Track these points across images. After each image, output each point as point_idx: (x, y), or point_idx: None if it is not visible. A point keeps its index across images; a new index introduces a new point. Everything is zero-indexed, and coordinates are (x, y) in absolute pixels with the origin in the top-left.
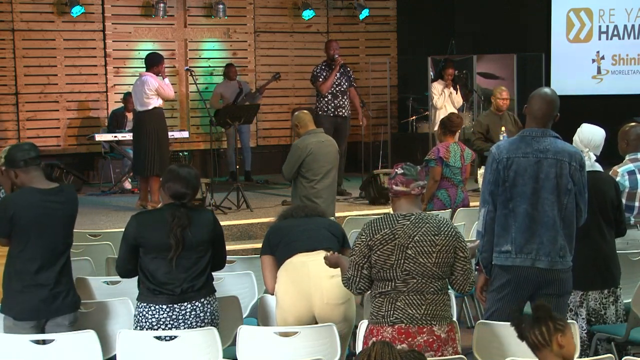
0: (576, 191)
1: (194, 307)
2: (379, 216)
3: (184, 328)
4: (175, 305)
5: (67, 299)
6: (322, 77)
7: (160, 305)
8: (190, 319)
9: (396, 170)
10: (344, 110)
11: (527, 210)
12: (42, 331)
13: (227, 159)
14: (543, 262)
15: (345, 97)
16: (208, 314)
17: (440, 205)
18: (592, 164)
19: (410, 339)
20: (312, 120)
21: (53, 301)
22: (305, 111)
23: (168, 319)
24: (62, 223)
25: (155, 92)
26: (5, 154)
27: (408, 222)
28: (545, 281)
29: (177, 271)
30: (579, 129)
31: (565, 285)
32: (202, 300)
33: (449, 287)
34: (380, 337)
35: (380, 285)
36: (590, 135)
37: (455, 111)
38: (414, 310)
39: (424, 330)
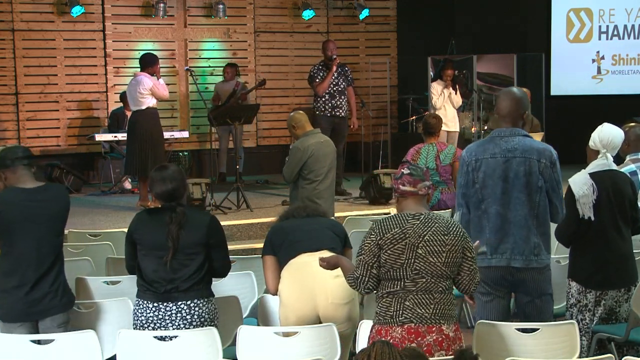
0: (548, 188)
1: (179, 308)
2: (387, 216)
3: (173, 329)
4: (160, 305)
5: (56, 300)
6: (319, 77)
7: (147, 304)
8: (177, 320)
9: (402, 170)
10: (341, 110)
11: (499, 210)
12: (37, 331)
13: (218, 159)
14: (518, 262)
15: (343, 97)
16: (196, 316)
17: None
18: (609, 163)
19: (419, 339)
20: (309, 120)
21: (39, 302)
22: (300, 112)
23: (155, 319)
24: (47, 222)
25: (150, 91)
26: None
27: (418, 222)
28: (521, 281)
29: (165, 271)
30: (599, 128)
31: (542, 286)
32: (189, 302)
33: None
34: (389, 337)
35: (388, 284)
36: (610, 136)
37: (455, 111)
38: (423, 310)
39: (433, 329)
